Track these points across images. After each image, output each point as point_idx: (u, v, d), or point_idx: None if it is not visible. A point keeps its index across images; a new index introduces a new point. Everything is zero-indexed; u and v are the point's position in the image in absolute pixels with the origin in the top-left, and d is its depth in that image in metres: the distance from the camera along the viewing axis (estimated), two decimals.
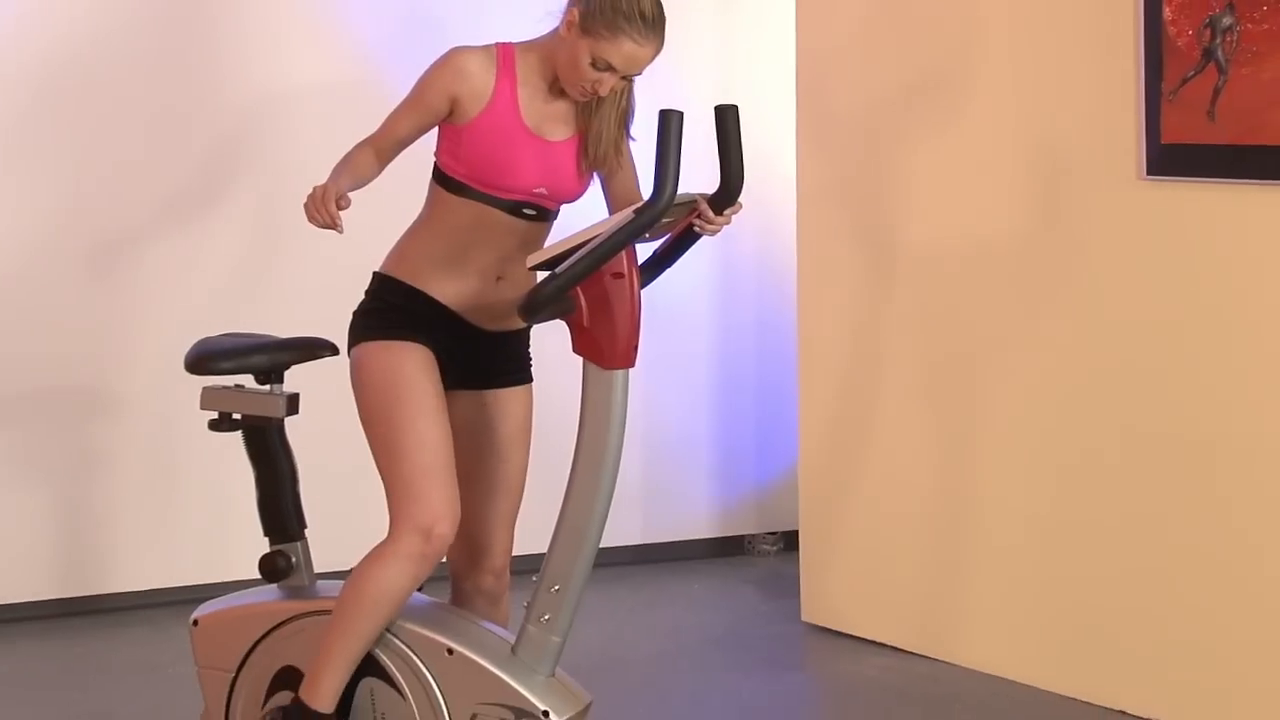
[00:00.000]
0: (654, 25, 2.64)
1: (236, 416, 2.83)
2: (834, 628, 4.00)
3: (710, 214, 2.64)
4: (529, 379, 2.84)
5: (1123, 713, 3.48)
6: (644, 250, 2.65)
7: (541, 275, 2.58)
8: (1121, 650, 3.49)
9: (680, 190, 2.52)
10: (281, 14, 4.24)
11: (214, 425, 2.86)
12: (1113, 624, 3.51)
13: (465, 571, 2.83)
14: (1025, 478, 3.66)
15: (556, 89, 2.71)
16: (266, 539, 2.84)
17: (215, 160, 4.22)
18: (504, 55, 2.71)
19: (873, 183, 3.91)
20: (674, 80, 4.41)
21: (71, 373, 4.16)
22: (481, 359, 2.77)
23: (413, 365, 2.68)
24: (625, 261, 2.54)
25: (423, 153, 2.77)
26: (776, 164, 4.13)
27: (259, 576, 2.83)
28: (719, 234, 2.68)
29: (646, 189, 2.74)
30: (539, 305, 2.55)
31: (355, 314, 2.76)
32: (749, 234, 4.32)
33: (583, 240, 2.55)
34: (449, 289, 2.72)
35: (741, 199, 2.66)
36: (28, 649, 3.99)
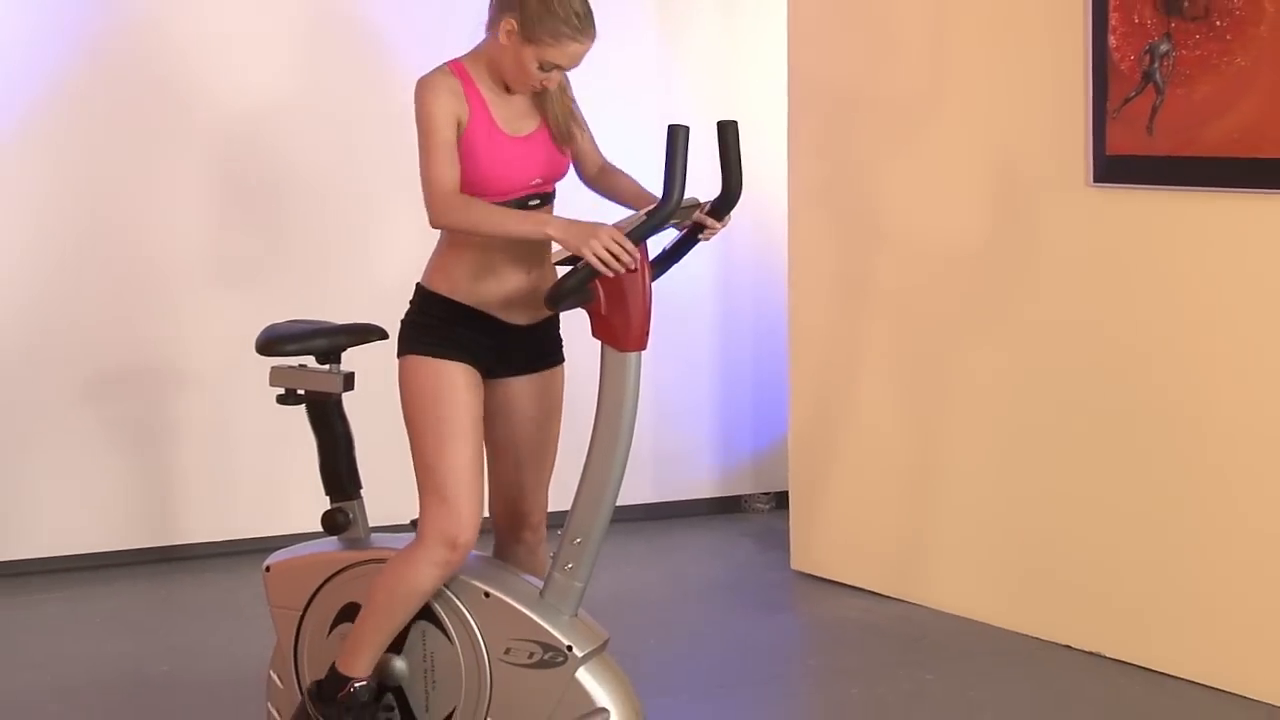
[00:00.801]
0: (588, 20, 2.54)
1: (300, 392, 2.83)
2: (819, 575, 4.01)
3: (709, 220, 2.62)
4: (561, 359, 2.78)
5: (1068, 646, 3.49)
6: (654, 248, 2.64)
7: (563, 269, 2.57)
8: (1066, 593, 3.50)
9: (686, 195, 2.51)
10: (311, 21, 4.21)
11: (281, 400, 2.85)
12: (1059, 571, 3.52)
13: (508, 530, 2.81)
14: (985, 445, 3.67)
15: (509, 89, 2.62)
16: (327, 497, 2.85)
17: (282, 173, 4.20)
18: (460, 72, 2.59)
19: (855, 186, 3.91)
20: (679, 94, 4.43)
21: (162, 356, 4.18)
22: (520, 350, 2.71)
23: (455, 385, 2.61)
24: (638, 256, 2.52)
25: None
26: (770, 170, 4.11)
27: (321, 530, 2.83)
28: (717, 235, 2.65)
29: (642, 182, 2.70)
30: (562, 296, 2.54)
31: (403, 324, 2.68)
32: (746, 232, 4.31)
33: None
34: (487, 294, 2.64)
35: (735, 208, 2.63)
36: (124, 590, 4.02)
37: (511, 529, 2.81)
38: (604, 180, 2.74)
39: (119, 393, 4.16)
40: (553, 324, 2.77)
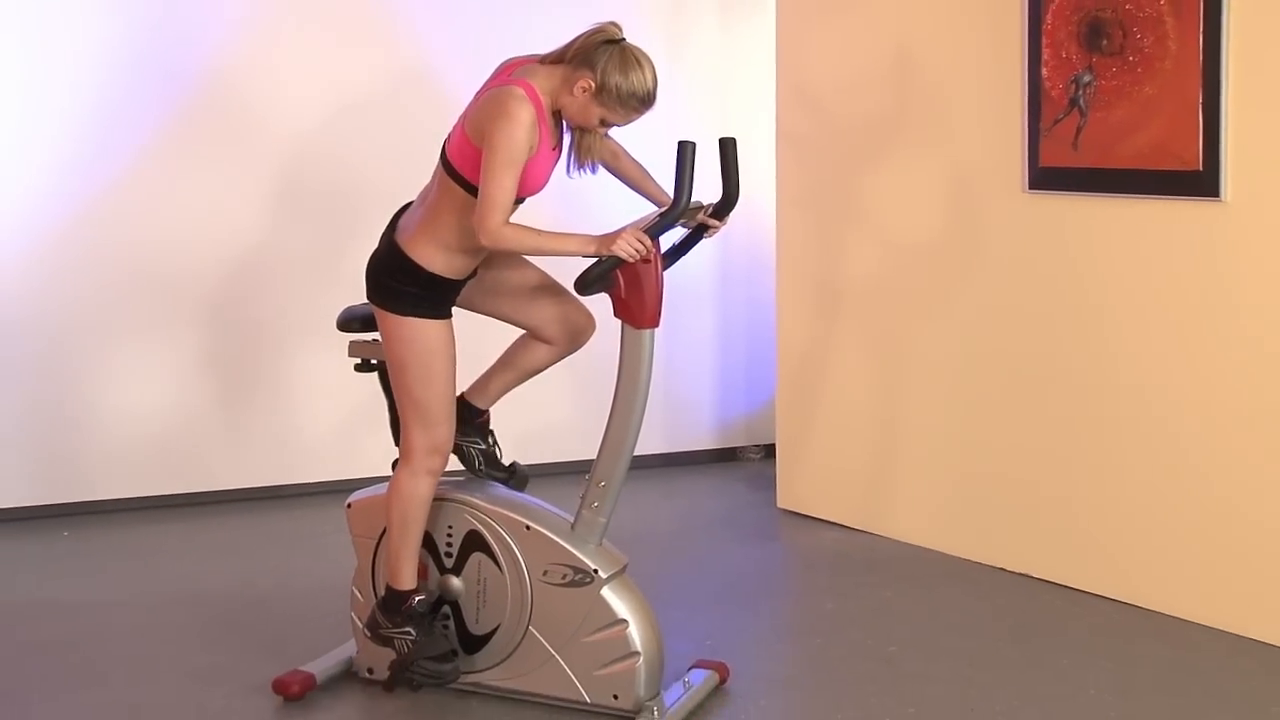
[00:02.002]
0: (654, 97, 2.47)
1: (374, 362, 2.83)
2: (800, 511, 4.01)
3: (711, 220, 2.62)
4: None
5: (1002, 568, 3.50)
6: (665, 244, 2.64)
7: (589, 261, 2.55)
8: (1000, 525, 3.51)
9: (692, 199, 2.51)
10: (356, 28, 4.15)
11: (358, 368, 2.86)
12: (995, 506, 3.53)
13: (581, 337, 2.73)
14: (937, 405, 3.67)
15: (556, 113, 2.53)
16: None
17: (349, 177, 4.16)
18: (534, 99, 2.45)
19: (833, 191, 3.89)
20: (685, 110, 4.40)
21: (263, 334, 4.18)
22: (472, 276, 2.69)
23: (442, 337, 2.59)
24: (652, 250, 2.52)
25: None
26: (761, 177, 4.07)
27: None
28: (718, 233, 2.66)
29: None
30: (589, 283, 2.53)
31: (386, 276, 2.57)
32: (741, 231, 4.29)
33: None
34: (463, 267, 2.60)
35: (733, 210, 2.63)
36: (233, 523, 4.04)
37: (569, 339, 2.73)
38: (616, 164, 2.67)
39: (238, 372, 4.16)
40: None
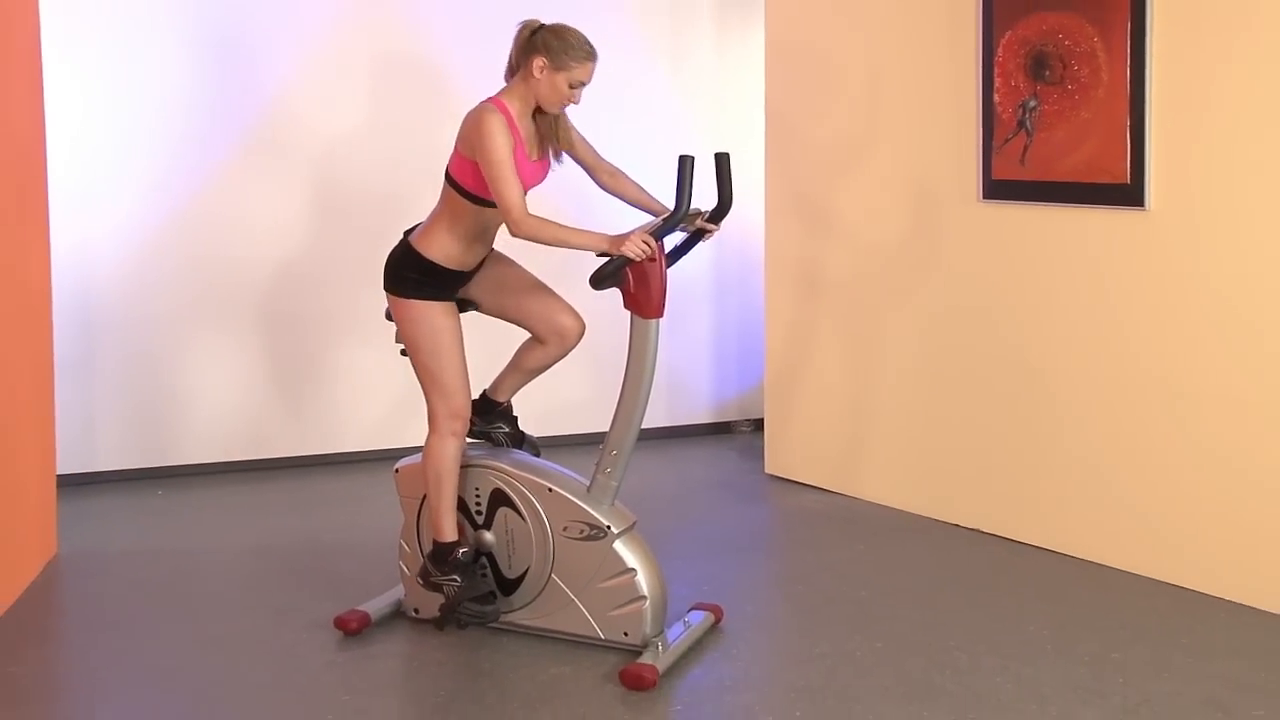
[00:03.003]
0: (591, 45, 2.54)
1: None
2: (785, 476, 4.04)
3: (708, 225, 2.65)
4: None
5: (957, 525, 3.54)
6: (667, 245, 2.66)
7: (601, 259, 2.57)
8: (956, 487, 3.55)
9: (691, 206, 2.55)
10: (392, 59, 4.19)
11: (403, 353, 2.83)
12: (951, 471, 3.56)
13: (566, 337, 2.72)
14: (901, 385, 3.70)
15: (530, 119, 2.57)
16: None
17: (376, 185, 4.17)
18: (503, 109, 2.52)
19: (814, 200, 3.91)
20: (683, 125, 4.43)
21: (319, 329, 4.20)
22: (470, 273, 2.74)
23: (444, 318, 2.64)
24: (657, 250, 2.54)
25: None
26: (751, 186, 4.10)
27: None
28: (714, 236, 2.70)
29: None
30: (602, 279, 2.54)
31: (399, 276, 2.63)
32: (734, 234, 4.32)
33: None
34: (463, 261, 2.65)
35: (727, 216, 2.66)
36: (298, 485, 4.07)
37: (567, 332, 2.72)
38: (615, 184, 2.71)
39: (286, 354, 4.20)
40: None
